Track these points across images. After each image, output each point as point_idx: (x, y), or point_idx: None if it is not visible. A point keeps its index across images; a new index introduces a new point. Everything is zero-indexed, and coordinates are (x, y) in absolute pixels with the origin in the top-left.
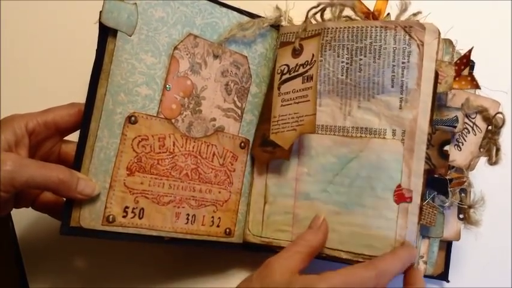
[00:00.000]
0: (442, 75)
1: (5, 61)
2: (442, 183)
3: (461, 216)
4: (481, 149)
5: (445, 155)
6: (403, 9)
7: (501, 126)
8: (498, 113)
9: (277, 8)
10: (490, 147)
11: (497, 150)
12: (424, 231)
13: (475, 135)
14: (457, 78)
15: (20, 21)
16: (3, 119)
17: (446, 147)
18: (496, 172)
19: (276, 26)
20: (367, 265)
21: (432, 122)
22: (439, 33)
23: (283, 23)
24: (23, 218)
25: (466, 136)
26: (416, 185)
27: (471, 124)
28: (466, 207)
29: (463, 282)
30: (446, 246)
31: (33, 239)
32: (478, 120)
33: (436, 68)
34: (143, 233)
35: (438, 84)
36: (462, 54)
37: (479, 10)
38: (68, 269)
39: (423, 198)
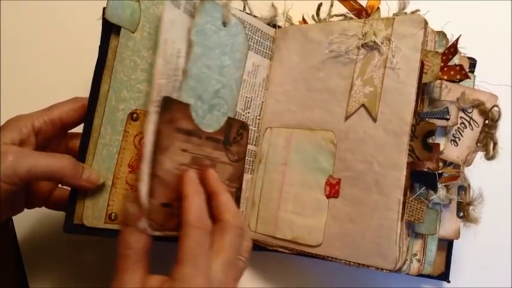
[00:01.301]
0: (428, 64)
1: (7, 58)
2: (429, 177)
3: (460, 214)
4: (478, 144)
5: (429, 147)
6: (402, 8)
7: (497, 120)
8: (494, 106)
9: (273, 6)
10: (487, 142)
11: (494, 144)
12: (416, 228)
13: (472, 129)
14: (445, 69)
15: (22, 18)
16: (9, 120)
17: (439, 140)
18: (495, 169)
19: (272, 26)
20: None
21: (418, 114)
22: (426, 23)
23: (280, 23)
24: (23, 218)
25: (463, 131)
26: (398, 179)
27: (468, 119)
28: (465, 204)
29: (463, 282)
30: (447, 246)
31: (33, 239)
32: (475, 114)
33: (422, 58)
34: None
35: (424, 74)
36: (452, 44)
37: (478, 8)
38: (68, 269)
39: (407, 192)
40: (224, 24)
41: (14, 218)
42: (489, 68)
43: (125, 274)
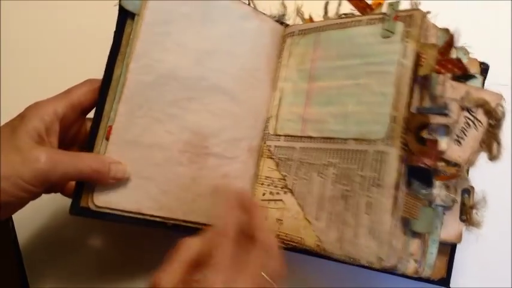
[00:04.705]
0: (424, 57)
1: (8, 52)
2: (424, 172)
3: (463, 217)
4: (482, 144)
5: (422, 140)
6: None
7: (500, 119)
8: (497, 104)
9: (283, 5)
10: (490, 142)
11: (498, 144)
12: (412, 225)
13: (476, 129)
14: (443, 62)
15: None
16: (28, 108)
17: (442, 140)
18: (498, 171)
19: (281, 23)
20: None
21: (417, 109)
22: (424, 16)
23: (290, 22)
24: (23, 218)
25: (467, 131)
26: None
27: (472, 118)
28: (468, 207)
29: (463, 283)
30: (450, 251)
31: (33, 239)
32: (479, 114)
33: (417, 50)
34: (149, 218)
35: (419, 67)
36: (449, 35)
37: (481, 9)
38: (68, 269)
39: (398, 186)
40: None
41: (14, 217)
42: (491, 70)
43: None
